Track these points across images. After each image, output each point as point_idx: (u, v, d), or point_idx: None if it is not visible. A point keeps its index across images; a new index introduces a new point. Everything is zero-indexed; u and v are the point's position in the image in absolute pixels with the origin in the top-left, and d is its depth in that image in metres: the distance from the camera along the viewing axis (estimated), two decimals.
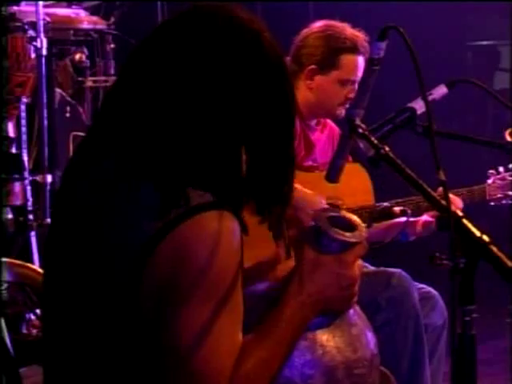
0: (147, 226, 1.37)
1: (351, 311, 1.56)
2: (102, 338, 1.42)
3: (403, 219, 2.91)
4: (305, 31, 3.04)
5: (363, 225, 1.54)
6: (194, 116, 1.43)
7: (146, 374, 1.40)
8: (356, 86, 2.96)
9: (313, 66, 2.98)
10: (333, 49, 2.96)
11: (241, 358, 1.40)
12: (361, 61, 2.96)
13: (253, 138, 1.47)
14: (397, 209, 2.89)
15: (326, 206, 1.55)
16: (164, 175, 1.40)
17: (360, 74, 2.94)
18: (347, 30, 2.98)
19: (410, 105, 1.81)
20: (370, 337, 1.58)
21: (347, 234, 1.49)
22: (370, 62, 1.74)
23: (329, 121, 3.16)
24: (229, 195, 1.43)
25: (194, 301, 1.36)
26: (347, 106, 2.97)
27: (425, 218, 2.97)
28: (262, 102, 1.46)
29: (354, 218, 1.55)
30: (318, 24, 3.03)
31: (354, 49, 2.95)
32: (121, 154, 1.45)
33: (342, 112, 3.00)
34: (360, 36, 2.97)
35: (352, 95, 2.94)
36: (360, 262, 1.52)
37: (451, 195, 2.90)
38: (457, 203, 2.91)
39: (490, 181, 3.07)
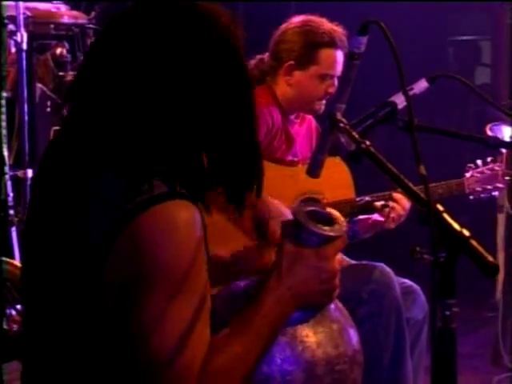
0: (108, 215, 1.37)
1: (332, 307, 1.55)
2: (72, 331, 1.41)
3: (374, 216, 2.92)
4: (283, 26, 3.03)
5: (343, 218, 1.53)
6: (152, 104, 1.43)
7: (116, 364, 1.40)
8: (335, 80, 2.96)
9: (291, 62, 2.98)
10: (311, 44, 2.95)
11: (213, 353, 1.39)
12: (339, 55, 2.96)
13: (213, 124, 1.46)
14: (378, 203, 2.90)
15: (302, 205, 1.54)
16: (125, 163, 1.40)
17: (339, 68, 2.94)
18: (325, 24, 2.98)
19: (390, 99, 1.81)
20: (352, 333, 1.57)
21: (326, 227, 1.49)
22: (350, 57, 1.74)
23: (308, 115, 3.16)
24: (190, 184, 1.43)
25: (156, 291, 1.35)
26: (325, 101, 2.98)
27: (375, 216, 2.97)
28: (220, 88, 1.46)
29: (334, 211, 1.55)
30: (297, 19, 3.03)
31: (332, 43, 2.95)
32: (83, 144, 1.45)
33: (321, 107, 3.00)
34: (338, 30, 2.96)
35: (331, 90, 2.95)
36: (340, 256, 1.52)
37: (399, 195, 2.91)
38: (403, 203, 2.92)
39: (468, 174, 3.09)
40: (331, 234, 1.48)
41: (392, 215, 2.93)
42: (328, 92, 2.96)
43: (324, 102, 2.98)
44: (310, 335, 1.49)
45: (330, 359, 1.49)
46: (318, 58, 2.95)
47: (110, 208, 1.37)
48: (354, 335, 1.57)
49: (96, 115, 1.45)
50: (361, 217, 2.95)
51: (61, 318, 1.42)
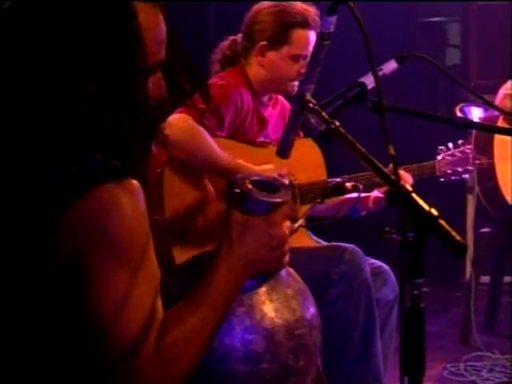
0: (50, 199, 1.36)
1: (284, 273, 1.57)
2: (22, 316, 1.39)
3: (355, 195, 2.93)
4: (256, 7, 3.02)
5: (287, 184, 1.55)
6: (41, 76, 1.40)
7: (71, 347, 1.39)
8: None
9: (264, 42, 2.97)
10: (283, 24, 2.94)
11: (170, 325, 1.40)
12: (312, 36, 2.95)
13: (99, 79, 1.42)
14: (349, 184, 2.91)
15: (252, 172, 1.57)
16: (54, 146, 1.39)
17: (311, 48, 2.94)
18: (298, 5, 2.97)
19: (360, 80, 1.81)
20: (307, 297, 1.58)
21: (271, 194, 1.50)
22: (320, 37, 1.74)
23: (280, 96, 3.15)
24: (120, 152, 1.43)
25: (105, 270, 1.35)
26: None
27: (375, 193, 3.00)
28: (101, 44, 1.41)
29: (278, 178, 1.57)
30: (267, 3, 3.02)
31: (305, 23, 2.94)
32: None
33: (294, 88, 2.99)
34: (311, 10, 2.96)
35: (304, 70, 2.94)
36: (288, 222, 1.53)
37: (402, 171, 2.94)
38: (407, 179, 2.95)
39: (439, 157, 3.11)
40: (277, 200, 1.49)
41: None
42: (301, 73, 2.95)
43: (297, 83, 2.98)
44: (266, 303, 1.50)
45: (289, 324, 1.50)
46: (290, 38, 2.95)
47: (50, 192, 1.36)
48: (309, 299, 1.58)
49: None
50: (363, 194, 2.95)
51: (6, 312, 1.40)
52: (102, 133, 1.42)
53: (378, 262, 3.02)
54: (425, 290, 1.41)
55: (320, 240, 3.08)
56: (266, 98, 3.09)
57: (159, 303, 1.41)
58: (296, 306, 1.53)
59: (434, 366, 3.77)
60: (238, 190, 1.50)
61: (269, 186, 1.53)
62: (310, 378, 1.57)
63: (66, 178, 1.36)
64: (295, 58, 2.96)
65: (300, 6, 2.97)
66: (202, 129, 2.78)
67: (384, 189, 2.95)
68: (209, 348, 1.45)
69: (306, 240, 3.01)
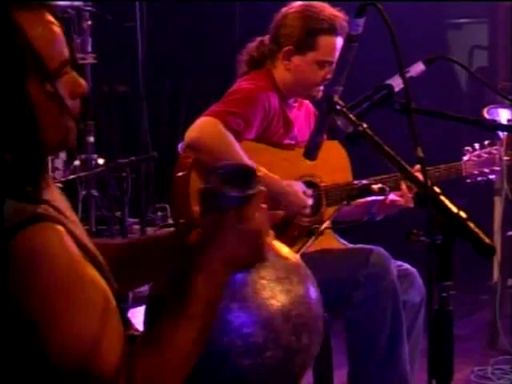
0: None
1: (272, 256, 1.52)
2: None
3: (390, 196, 2.92)
4: (284, 10, 3.02)
5: (258, 172, 1.49)
6: None
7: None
8: (334, 66, 2.95)
9: (290, 47, 2.97)
10: (310, 30, 2.93)
11: (160, 346, 1.37)
12: (339, 42, 2.93)
13: None
14: (375, 186, 2.90)
15: (218, 164, 1.52)
16: None
17: (338, 55, 2.93)
18: (326, 10, 2.95)
19: (387, 82, 1.81)
20: (299, 272, 1.55)
21: (241, 188, 1.45)
22: (348, 39, 1.73)
23: (305, 100, 3.15)
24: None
25: (50, 313, 1.32)
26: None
27: (391, 197, 2.98)
28: None
29: (247, 164, 1.53)
30: (298, 3, 3.01)
31: (332, 30, 2.92)
32: None
33: (318, 93, 2.99)
34: (339, 16, 2.94)
35: (329, 76, 2.93)
36: (263, 209, 1.48)
37: (418, 173, 2.92)
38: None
39: (465, 158, 3.09)
40: (248, 192, 1.45)
41: (411, 194, 2.93)
42: (326, 78, 2.95)
43: (321, 88, 2.98)
44: (258, 292, 1.48)
45: (285, 307, 1.48)
46: (316, 44, 2.94)
47: None
48: (302, 273, 1.55)
49: None
50: (376, 198, 2.95)
51: None
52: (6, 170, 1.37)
53: (405, 265, 3.01)
54: (452, 292, 1.40)
55: (346, 242, 3.07)
56: (291, 100, 3.09)
57: (118, 329, 1.38)
58: (289, 286, 1.50)
59: (461, 370, 3.75)
60: (205, 187, 1.46)
61: (239, 174, 1.48)
62: (315, 351, 1.55)
63: None
64: (321, 64, 2.96)
65: (328, 11, 2.94)
66: (230, 135, 2.79)
67: (400, 192, 2.94)
68: (196, 359, 1.41)
69: (333, 242, 3.00)
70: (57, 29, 1.45)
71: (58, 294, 1.33)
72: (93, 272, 1.38)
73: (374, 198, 2.97)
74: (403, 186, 2.95)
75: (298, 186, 2.91)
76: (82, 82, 1.48)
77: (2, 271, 1.31)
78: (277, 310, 1.47)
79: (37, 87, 1.40)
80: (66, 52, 1.46)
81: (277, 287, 1.49)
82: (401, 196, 2.95)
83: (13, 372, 1.36)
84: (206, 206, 1.48)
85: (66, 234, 1.37)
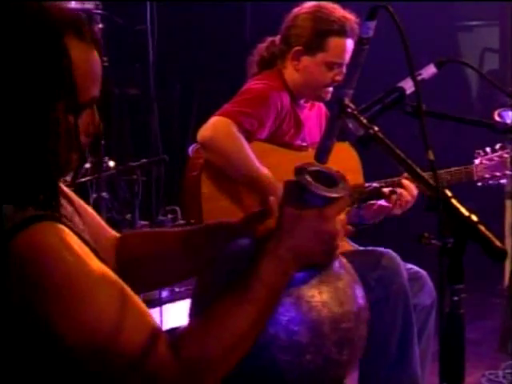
0: None
1: (337, 265, 1.55)
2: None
3: (379, 202, 2.92)
4: (295, 10, 3.02)
5: (346, 178, 1.53)
6: None
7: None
8: (343, 68, 2.95)
9: (299, 47, 2.97)
10: (320, 31, 2.94)
11: (220, 324, 1.39)
12: (349, 44, 2.94)
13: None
14: (386, 190, 2.90)
15: (305, 165, 1.54)
16: None
17: (347, 56, 2.93)
18: (337, 11, 2.96)
19: (399, 85, 1.81)
20: (357, 290, 1.58)
21: (329, 189, 1.48)
22: (359, 42, 1.73)
23: None
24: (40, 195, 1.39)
25: (63, 314, 1.33)
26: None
27: (381, 202, 2.97)
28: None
29: (337, 171, 1.55)
30: (309, 4, 3.02)
31: (342, 31, 2.93)
32: None
33: (327, 95, 2.99)
34: (350, 18, 2.94)
35: (339, 78, 2.93)
36: (342, 216, 1.52)
37: (407, 181, 2.92)
38: (412, 189, 2.93)
39: (477, 161, 3.09)
40: (334, 195, 1.48)
41: (399, 201, 2.94)
42: (335, 80, 2.95)
43: (331, 89, 2.98)
44: (314, 295, 1.49)
45: (336, 317, 1.49)
46: (326, 45, 2.94)
47: None
48: (359, 292, 1.57)
49: None
50: (370, 201, 2.95)
51: None
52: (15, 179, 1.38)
53: (415, 268, 3.01)
54: (463, 295, 1.40)
55: (357, 245, 3.07)
56: (302, 101, 3.09)
57: (140, 316, 1.38)
58: (344, 299, 1.52)
59: (472, 374, 3.74)
60: (295, 180, 1.49)
61: (328, 177, 1.52)
62: (350, 371, 1.57)
63: None
64: (330, 66, 2.96)
65: (339, 12, 2.95)
66: (242, 137, 2.79)
67: (394, 197, 2.93)
68: (254, 341, 1.42)
69: (343, 245, 3.00)
70: (98, 66, 1.48)
71: (67, 289, 1.33)
72: (98, 262, 1.39)
73: (382, 200, 2.97)
74: (394, 195, 2.93)
75: None
76: (98, 121, 1.50)
77: (4, 272, 1.32)
78: (327, 317, 1.49)
79: (59, 115, 1.41)
80: (97, 90, 1.48)
81: (333, 296, 1.51)
82: (389, 202, 2.94)
83: (37, 372, 1.37)
84: (291, 199, 1.50)
85: (69, 231, 1.38)
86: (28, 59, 1.38)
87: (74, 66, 1.41)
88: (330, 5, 2.99)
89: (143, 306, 1.40)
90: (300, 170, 1.50)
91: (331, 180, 1.52)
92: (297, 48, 2.98)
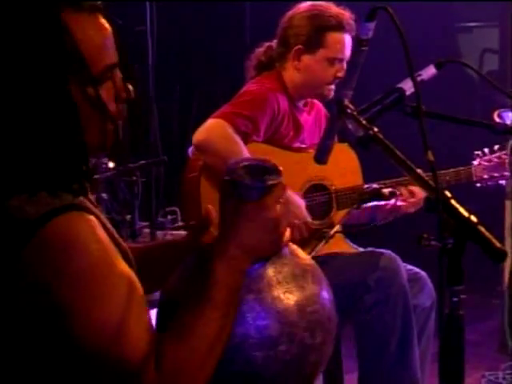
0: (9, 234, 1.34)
1: (288, 253, 1.54)
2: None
3: (392, 201, 2.92)
4: (290, 12, 3.03)
5: (278, 166, 1.51)
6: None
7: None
8: (344, 64, 2.96)
9: (299, 46, 2.98)
10: (318, 27, 2.95)
11: (172, 339, 1.38)
12: (347, 39, 2.95)
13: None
14: (386, 190, 2.90)
15: (241, 158, 1.55)
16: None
17: (347, 52, 2.94)
18: (332, 8, 2.98)
19: (398, 85, 1.81)
20: (315, 273, 1.56)
21: (262, 178, 1.48)
22: (358, 43, 1.73)
23: (316, 101, 3.15)
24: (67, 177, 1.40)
25: (81, 303, 1.34)
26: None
27: (393, 202, 2.97)
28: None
29: (268, 160, 1.54)
30: (304, 5, 3.02)
31: (340, 26, 2.94)
32: None
33: (330, 92, 2.99)
34: (345, 14, 2.96)
35: (341, 74, 2.94)
36: (283, 203, 1.50)
37: (415, 188, 2.92)
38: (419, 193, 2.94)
39: (475, 162, 3.09)
40: (268, 183, 1.48)
41: (412, 199, 2.94)
42: (337, 76, 2.95)
43: (333, 87, 2.98)
44: (274, 285, 1.48)
45: (300, 303, 1.49)
46: (325, 41, 2.95)
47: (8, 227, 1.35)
48: (316, 275, 1.56)
49: None
50: (379, 203, 2.95)
51: None
52: (46, 163, 1.39)
53: (415, 269, 3.00)
54: (463, 296, 1.40)
55: (356, 246, 3.06)
56: (301, 103, 3.08)
57: (145, 318, 1.39)
58: (305, 284, 1.51)
59: (471, 374, 3.74)
60: (228, 178, 1.49)
61: (261, 169, 1.51)
62: (329, 352, 1.55)
63: (13, 224, 1.34)
64: (331, 62, 2.96)
65: (334, 9, 2.97)
66: (237, 137, 2.79)
67: (404, 197, 2.94)
68: (224, 347, 1.42)
69: (343, 246, 3.00)
70: (106, 32, 1.47)
71: (87, 281, 1.34)
72: (123, 263, 1.40)
73: (383, 202, 2.97)
74: (404, 191, 2.94)
75: (302, 201, 2.90)
76: (128, 86, 1.50)
77: (32, 257, 1.33)
78: (292, 304, 1.48)
79: (78, 90, 1.41)
80: (114, 56, 1.47)
81: (292, 283, 1.50)
82: (403, 201, 2.95)
83: (39, 357, 1.37)
84: (227, 196, 1.50)
85: (99, 224, 1.39)
86: (30, 43, 1.37)
87: (78, 39, 1.40)
88: (324, 3, 3.01)
89: (149, 313, 1.41)
90: (231, 168, 1.50)
91: (265, 171, 1.50)
92: (297, 47, 2.98)
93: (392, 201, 2.95)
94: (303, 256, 1.59)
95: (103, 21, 1.47)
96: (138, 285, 1.41)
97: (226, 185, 1.50)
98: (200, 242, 1.67)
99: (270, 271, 1.50)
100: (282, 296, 1.48)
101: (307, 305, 1.49)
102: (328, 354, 1.55)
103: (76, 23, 1.41)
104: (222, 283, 1.43)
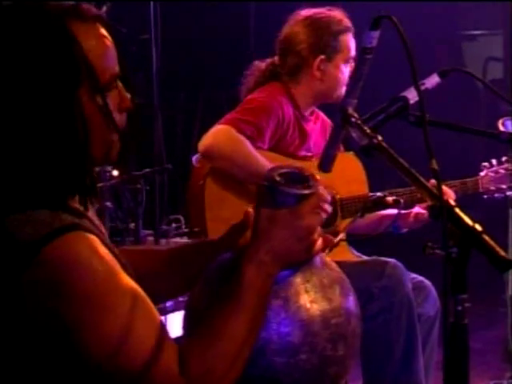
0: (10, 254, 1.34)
1: (318, 263, 1.55)
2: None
3: (395, 210, 2.91)
4: (288, 28, 3.05)
5: (316, 175, 1.53)
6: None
7: None
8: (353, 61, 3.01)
9: (322, 57, 2.99)
10: (331, 35, 3.00)
11: (200, 344, 1.39)
12: (352, 37, 3.03)
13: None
14: (390, 198, 2.89)
15: (280, 165, 1.56)
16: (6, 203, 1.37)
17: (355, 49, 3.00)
18: (331, 13, 3.03)
19: (402, 94, 1.81)
20: (344, 285, 1.57)
21: (299, 186, 1.49)
22: (362, 52, 1.73)
23: (321, 113, 3.16)
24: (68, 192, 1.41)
25: (87, 321, 1.34)
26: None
27: (416, 209, 2.97)
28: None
29: (306, 169, 1.55)
30: (301, 17, 3.04)
31: (346, 28, 3.02)
32: None
33: (342, 92, 3.01)
34: (343, 14, 3.03)
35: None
36: (319, 211, 1.51)
37: (444, 187, 2.92)
38: (450, 195, 2.92)
39: (482, 173, 3.08)
40: (305, 191, 1.49)
41: None
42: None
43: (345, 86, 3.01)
44: (301, 293, 1.49)
45: (325, 314, 1.49)
46: (340, 46, 3.01)
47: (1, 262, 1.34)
48: (345, 288, 1.56)
49: None
50: (403, 211, 2.94)
51: None
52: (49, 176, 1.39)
53: (420, 277, 3.00)
54: (467, 305, 1.40)
55: (361, 254, 3.06)
56: (307, 113, 3.09)
57: (150, 326, 1.39)
58: (332, 295, 1.52)
59: (476, 383, 3.73)
60: (265, 184, 1.50)
61: (298, 177, 1.52)
62: (349, 366, 1.56)
63: (13, 245, 1.34)
64: (346, 62, 3.03)
65: (333, 13, 3.04)
66: (244, 138, 2.80)
67: (425, 205, 2.93)
68: (250, 351, 1.43)
69: (347, 254, 3.00)
70: (109, 42, 1.48)
71: (94, 300, 1.34)
72: (126, 277, 1.40)
73: (389, 210, 2.96)
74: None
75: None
76: (128, 96, 1.51)
77: (34, 282, 1.33)
78: (317, 314, 1.49)
79: (88, 99, 1.42)
80: (116, 66, 1.48)
81: (320, 293, 1.51)
82: (425, 209, 2.94)
83: (47, 372, 1.37)
84: (262, 201, 1.51)
85: (99, 241, 1.39)
86: (39, 55, 1.38)
87: (86, 48, 1.41)
88: (319, 10, 3.04)
89: (162, 321, 1.41)
90: (270, 173, 1.51)
91: (302, 179, 1.52)
92: (319, 58, 2.99)
93: (416, 208, 2.95)
94: (334, 267, 1.59)
95: (104, 31, 1.48)
96: (144, 296, 1.41)
97: (263, 189, 1.51)
98: (237, 242, 1.68)
99: (299, 279, 1.51)
100: (307, 305, 1.49)
101: (332, 316, 1.50)
102: (348, 369, 1.56)
103: (81, 33, 1.42)
104: (251, 286, 1.44)
